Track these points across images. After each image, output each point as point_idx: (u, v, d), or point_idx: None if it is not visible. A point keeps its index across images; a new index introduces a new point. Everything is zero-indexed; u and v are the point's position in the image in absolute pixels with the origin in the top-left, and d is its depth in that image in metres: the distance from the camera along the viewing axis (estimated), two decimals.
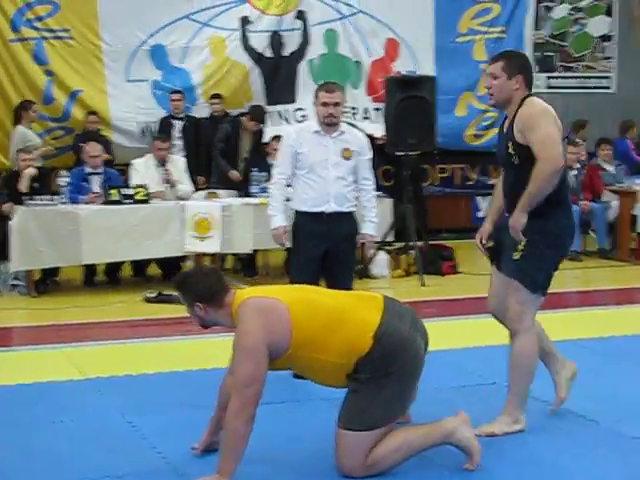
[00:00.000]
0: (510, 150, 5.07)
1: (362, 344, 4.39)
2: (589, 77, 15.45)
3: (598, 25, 15.55)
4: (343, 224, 6.41)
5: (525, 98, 5.10)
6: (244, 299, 4.46)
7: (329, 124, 6.32)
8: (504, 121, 5.26)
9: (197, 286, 4.55)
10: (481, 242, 5.48)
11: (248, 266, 10.98)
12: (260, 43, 13.09)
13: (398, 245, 11.30)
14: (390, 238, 10.96)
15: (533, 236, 5.01)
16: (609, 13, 15.57)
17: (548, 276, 5.17)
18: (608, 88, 15.46)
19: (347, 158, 6.37)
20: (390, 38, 13.53)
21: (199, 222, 9.89)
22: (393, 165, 12.73)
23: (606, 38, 15.61)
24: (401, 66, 13.51)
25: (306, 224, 6.40)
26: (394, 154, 11.35)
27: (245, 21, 13.03)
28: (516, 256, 5.09)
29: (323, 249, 6.37)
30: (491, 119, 13.97)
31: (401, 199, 10.95)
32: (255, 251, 10.62)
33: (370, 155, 6.63)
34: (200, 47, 12.91)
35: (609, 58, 15.60)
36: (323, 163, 6.31)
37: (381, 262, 10.85)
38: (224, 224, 9.96)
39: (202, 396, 5.94)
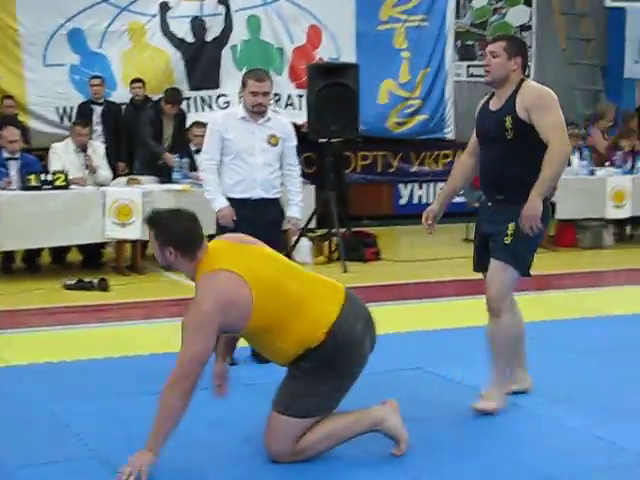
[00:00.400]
0: (507, 124, 5.18)
1: (315, 337, 4.36)
2: None
3: (517, 15, 15.75)
4: (269, 210, 6.34)
5: (522, 80, 5.31)
6: (214, 269, 4.31)
7: (257, 112, 6.23)
8: (488, 100, 5.42)
9: (175, 230, 4.36)
10: (427, 220, 5.57)
11: None
12: (181, 29, 13.01)
13: (320, 232, 11.31)
14: (312, 225, 10.97)
15: (520, 220, 5.15)
16: (528, 3, 15.77)
17: (533, 256, 5.36)
18: (527, 76, 15.58)
19: (274, 145, 6.30)
20: (312, 25, 13.54)
21: (120, 208, 9.80)
22: (315, 152, 12.73)
23: (525, 27, 15.80)
24: (323, 53, 13.54)
25: (234, 210, 6.32)
26: (317, 141, 11.35)
27: (164, 7, 12.93)
28: (507, 240, 5.20)
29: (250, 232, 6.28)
30: (413, 107, 14.10)
31: (323, 186, 10.96)
32: None
33: (295, 142, 6.58)
34: (119, 32, 12.76)
35: (529, 47, 15.76)
36: (250, 150, 6.23)
37: (304, 249, 10.86)
38: (145, 210, 9.87)
39: (124, 383, 5.92)
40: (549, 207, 5.26)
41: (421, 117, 14.46)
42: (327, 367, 4.39)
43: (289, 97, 13.54)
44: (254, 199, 6.27)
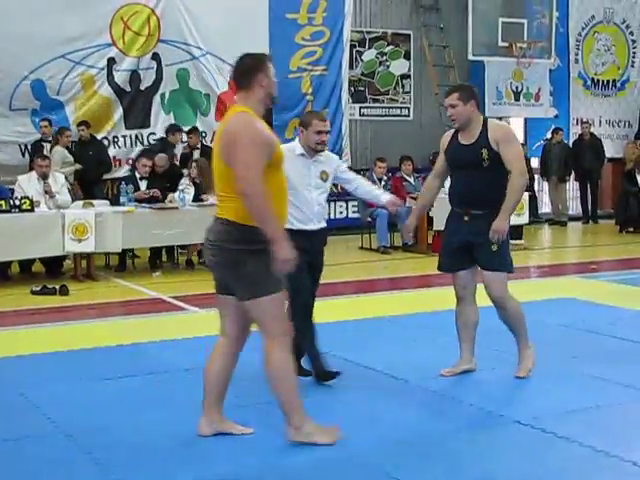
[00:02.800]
0: (485, 155, 5.30)
1: None
2: (392, 107, 15.80)
3: (399, 66, 15.91)
4: (321, 238, 5.61)
5: (486, 119, 5.43)
6: None
7: (319, 150, 5.53)
8: (454, 136, 5.49)
9: None
10: (409, 233, 5.79)
11: (119, 263, 10.82)
12: (122, 79, 12.92)
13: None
14: None
15: (490, 231, 5.32)
16: (407, 57, 15.97)
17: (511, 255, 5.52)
18: (407, 116, 15.85)
19: (324, 180, 5.59)
20: None
21: (76, 227, 9.70)
22: None
23: (405, 76, 15.99)
24: None
25: (292, 241, 5.27)
26: None
27: (111, 61, 12.83)
28: (494, 248, 5.34)
29: (307, 261, 5.35)
30: None
31: None
32: (124, 250, 10.54)
33: (345, 165, 6.12)
34: (73, 82, 12.61)
35: (408, 92, 16.01)
36: (306, 186, 5.48)
37: None
38: (97, 228, 9.81)
39: (85, 371, 5.86)
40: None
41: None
42: None
43: (214, 134, 13.50)
44: (310, 230, 5.50)
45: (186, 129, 12.83)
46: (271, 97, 4.42)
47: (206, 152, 12.37)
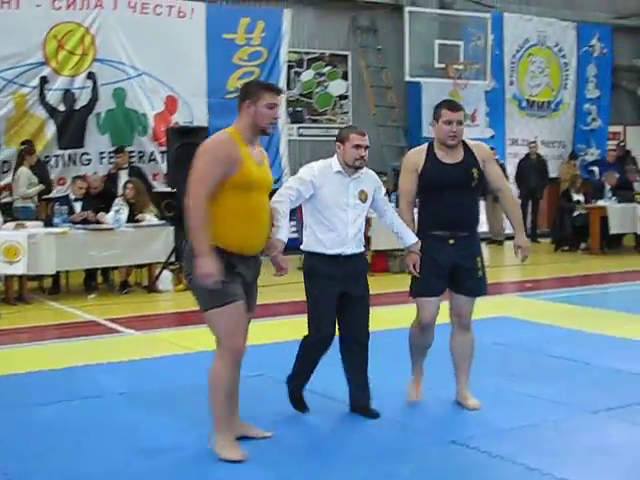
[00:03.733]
0: (475, 175, 5.16)
1: None
2: (331, 128, 15.89)
3: (337, 87, 16.06)
4: (357, 265, 5.20)
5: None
6: None
7: (358, 167, 5.14)
8: (430, 155, 5.22)
9: None
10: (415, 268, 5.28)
11: (53, 285, 10.68)
12: (55, 99, 12.78)
13: (179, 264, 11.22)
14: (173, 259, 10.88)
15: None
16: (345, 77, 16.12)
17: None
18: None
19: (363, 200, 5.17)
20: (169, 95, 13.50)
21: (8, 248, 9.56)
22: (174, 199, 12.64)
23: (343, 97, 16.14)
24: (179, 117, 13.51)
25: (322, 266, 5.12)
26: (174, 190, 11.30)
27: (44, 80, 12.68)
28: (480, 273, 5.26)
29: (340, 290, 5.11)
30: None
31: (182, 227, 10.87)
32: (58, 272, 10.39)
33: (384, 191, 5.40)
34: (5, 101, 12.45)
35: (346, 113, 16.14)
36: (343, 205, 5.09)
37: (165, 279, 10.81)
38: (30, 250, 9.66)
39: (15, 397, 5.75)
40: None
41: None
42: None
43: (152, 154, 13.45)
44: (345, 255, 5.11)
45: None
46: (258, 127, 4.50)
47: (135, 172, 12.35)
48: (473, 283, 5.27)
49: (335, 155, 5.20)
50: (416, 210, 5.40)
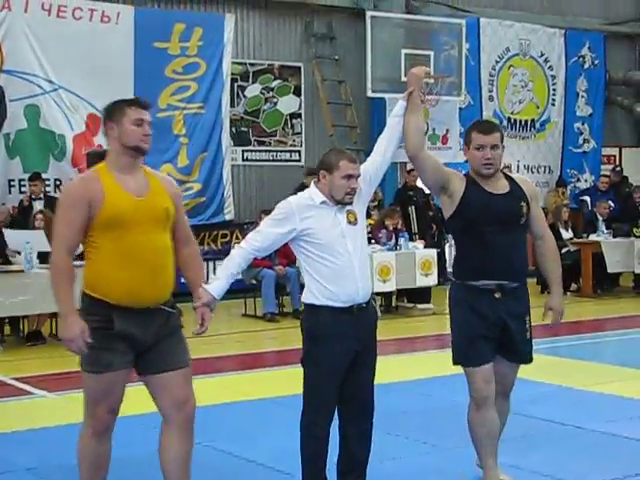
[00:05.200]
0: (524, 210, 4.93)
1: None
2: (281, 151, 15.98)
3: (288, 103, 16.16)
4: (368, 316, 4.88)
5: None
6: None
7: (347, 203, 4.81)
8: (473, 182, 4.94)
9: None
10: None
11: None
12: None
13: None
14: None
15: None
16: (297, 93, 16.22)
17: None
18: (298, 161, 16.05)
19: (353, 222, 4.83)
20: (91, 113, 13.46)
21: None
22: None
23: (295, 115, 16.23)
24: (103, 140, 13.42)
25: (329, 324, 4.73)
26: None
27: None
28: (528, 335, 5.05)
29: (352, 354, 4.78)
30: (192, 189, 14.18)
31: None
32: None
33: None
34: None
35: (298, 133, 16.22)
36: (339, 238, 4.76)
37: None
38: None
39: None
40: None
41: (201, 199, 14.54)
42: None
43: (71, 181, 13.39)
44: (358, 305, 4.77)
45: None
46: (129, 148, 4.49)
47: (51, 203, 12.25)
48: (523, 348, 5.04)
49: (312, 186, 4.90)
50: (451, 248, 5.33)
